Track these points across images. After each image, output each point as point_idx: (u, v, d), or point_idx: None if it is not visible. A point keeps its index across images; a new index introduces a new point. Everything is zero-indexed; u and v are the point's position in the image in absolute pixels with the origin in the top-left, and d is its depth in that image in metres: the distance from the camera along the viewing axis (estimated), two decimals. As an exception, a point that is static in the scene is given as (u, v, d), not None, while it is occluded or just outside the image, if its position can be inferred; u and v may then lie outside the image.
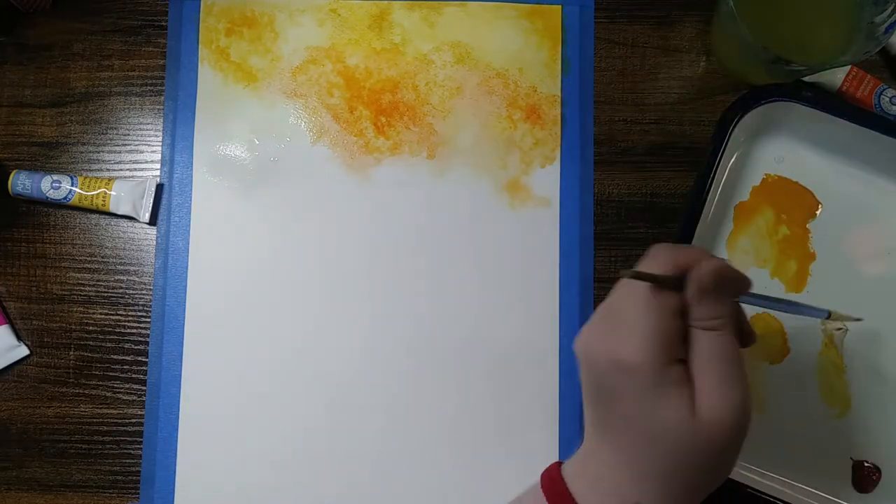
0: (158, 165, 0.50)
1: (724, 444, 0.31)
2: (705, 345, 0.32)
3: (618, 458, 0.32)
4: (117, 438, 0.48)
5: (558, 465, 0.35)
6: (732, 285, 0.33)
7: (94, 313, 0.49)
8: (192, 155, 0.50)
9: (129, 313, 0.49)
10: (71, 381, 0.49)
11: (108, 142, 0.50)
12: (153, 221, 0.49)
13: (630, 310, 0.32)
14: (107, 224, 0.50)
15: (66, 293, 0.49)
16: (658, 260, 0.33)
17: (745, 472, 0.46)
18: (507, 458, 0.48)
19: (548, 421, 0.48)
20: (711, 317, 0.32)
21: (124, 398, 0.48)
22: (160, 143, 0.50)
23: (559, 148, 0.50)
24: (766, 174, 0.50)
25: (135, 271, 0.49)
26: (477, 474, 0.48)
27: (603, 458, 0.33)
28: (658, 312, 0.31)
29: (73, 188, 0.48)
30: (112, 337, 0.49)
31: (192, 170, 0.50)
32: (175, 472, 0.47)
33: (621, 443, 0.32)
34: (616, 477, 0.32)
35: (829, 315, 0.39)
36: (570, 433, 0.48)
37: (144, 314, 0.49)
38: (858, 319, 0.43)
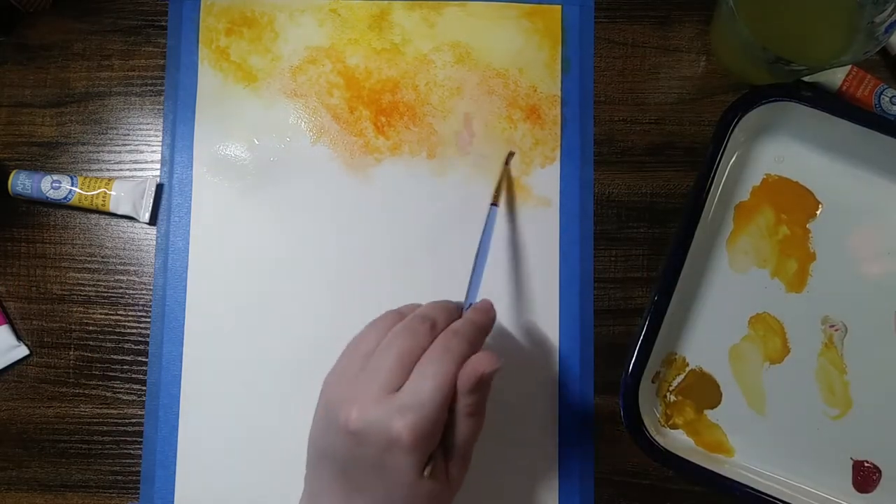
0: (158, 165, 0.50)
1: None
2: (465, 427, 0.35)
3: None
4: (117, 438, 0.48)
5: None
6: (484, 322, 0.37)
7: (93, 313, 0.49)
8: (191, 155, 0.50)
9: (129, 313, 0.49)
10: (71, 381, 0.49)
11: (108, 142, 0.50)
12: (153, 221, 0.49)
13: (419, 388, 0.33)
14: (107, 224, 0.50)
15: (65, 293, 0.49)
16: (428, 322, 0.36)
17: (746, 473, 0.46)
18: (507, 457, 0.48)
19: (547, 420, 0.48)
20: (478, 403, 0.35)
21: (124, 398, 0.48)
22: (160, 143, 0.50)
23: (559, 148, 0.50)
24: (766, 174, 0.50)
25: (135, 271, 0.49)
26: (475, 473, 0.48)
27: None
28: (446, 397, 0.33)
29: (73, 188, 0.48)
30: (112, 337, 0.49)
31: (192, 170, 0.50)
32: (175, 472, 0.47)
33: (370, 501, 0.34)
34: None
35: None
36: (570, 432, 0.48)
37: (144, 314, 0.49)
38: None
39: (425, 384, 0.33)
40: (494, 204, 0.44)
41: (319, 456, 0.36)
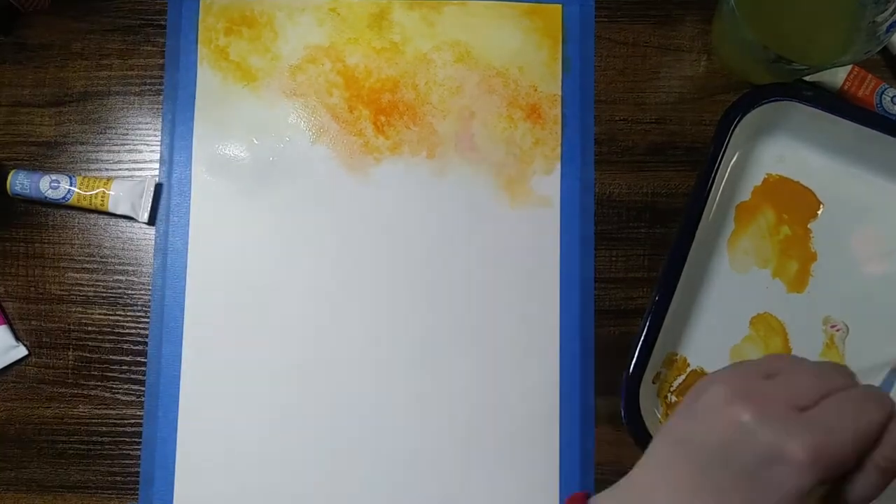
0: (157, 165, 0.50)
1: None
2: (871, 481, 0.30)
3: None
4: (116, 439, 0.48)
5: (585, 496, 0.35)
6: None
7: (92, 313, 0.49)
8: (191, 154, 0.50)
9: (128, 313, 0.49)
10: (69, 381, 0.48)
11: (107, 141, 0.50)
12: (152, 221, 0.49)
13: (837, 414, 0.30)
14: (105, 224, 0.50)
15: (64, 293, 0.49)
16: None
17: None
18: (507, 456, 0.48)
19: (548, 419, 0.48)
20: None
21: (123, 399, 0.48)
22: (159, 143, 0.50)
23: (560, 147, 0.50)
24: (767, 174, 0.49)
25: (133, 271, 0.49)
26: (476, 474, 0.47)
27: (679, 483, 0.32)
28: (863, 440, 0.30)
29: (72, 188, 0.48)
30: (111, 337, 0.49)
31: (190, 169, 0.50)
32: (174, 473, 0.47)
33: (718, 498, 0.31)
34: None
35: None
36: (571, 432, 0.48)
37: (143, 314, 0.49)
38: None
39: (847, 413, 0.30)
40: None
41: (677, 440, 0.33)
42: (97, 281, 0.49)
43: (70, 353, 0.49)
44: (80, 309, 0.49)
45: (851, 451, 0.29)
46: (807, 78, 0.50)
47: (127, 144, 0.50)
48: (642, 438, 0.44)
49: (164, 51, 0.51)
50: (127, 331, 0.49)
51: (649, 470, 0.34)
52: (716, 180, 0.47)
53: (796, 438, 0.29)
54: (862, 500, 0.31)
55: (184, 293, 0.48)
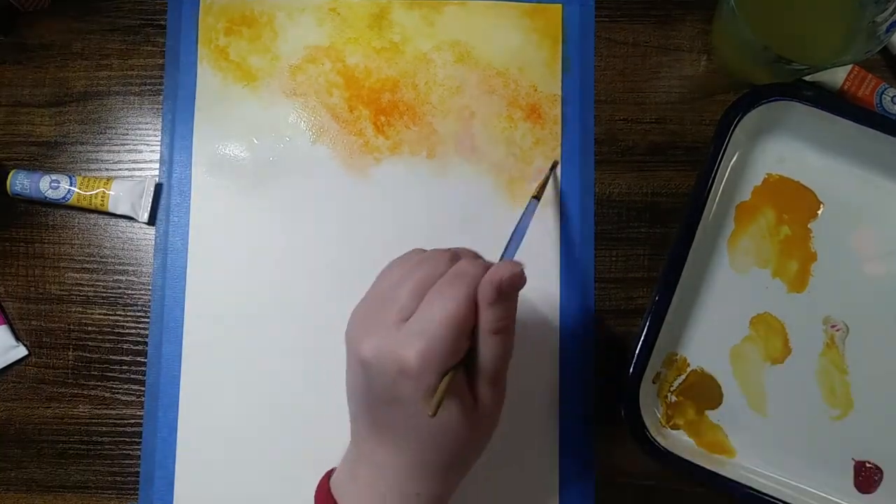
0: (157, 165, 0.50)
1: (487, 437, 0.35)
2: (490, 347, 0.33)
3: (398, 460, 0.33)
4: (116, 439, 0.48)
5: (329, 475, 0.37)
6: (521, 284, 0.34)
7: (92, 313, 0.49)
8: (191, 154, 0.50)
9: (128, 313, 0.49)
10: (69, 381, 0.48)
11: (107, 141, 0.50)
12: (152, 221, 0.49)
13: (429, 313, 0.31)
14: (105, 224, 0.50)
15: (64, 293, 0.49)
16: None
17: (747, 473, 0.46)
18: (507, 457, 0.47)
19: (548, 420, 0.48)
20: (503, 318, 0.32)
21: (123, 399, 0.48)
22: (159, 143, 0.50)
23: (560, 147, 0.50)
24: (767, 174, 0.49)
25: (133, 271, 0.49)
26: (476, 474, 0.47)
27: (379, 459, 0.34)
28: (458, 323, 0.31)
29: (72, 188, 0.48)
30: (111, 337, 0.49)
31: (190, 169, 0.50)
32: (174, 473, 0.47)
33: (402, 445, 0.33)
34: (396, 476, 0.33)
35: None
36: (571, 432, 0.48)
37: (143, 314, 0.49)
38: None
39: (434, 307, 0.31)
40: (536, 198, 0.44)
41: (349, 397, 0.35)
42: (97, 281, 0.49)
43: (70, 353, 0.49)
44: (80, 309, 0.49)
45: (452, 339, 0.31)
46: (807, 78, 0.50)
47: (127, 144, 0.50)
48: (642, 438, 0.44)
49: (164, 51, 0.51)
50: (127, 331, 0.49)
51: (352, 434, 0.37)
52: (716, 180, 0.47)
53: (405, 350, 0.31)
54: (493, 365, 0.33)
55: (184, 293, 0.48)
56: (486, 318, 0.32)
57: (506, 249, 0.39)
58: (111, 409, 0.48)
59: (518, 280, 0.32)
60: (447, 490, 0.35)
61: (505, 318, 0.33)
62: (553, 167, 0.49)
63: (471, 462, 0.36)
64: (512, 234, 0.40)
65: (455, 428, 0.33)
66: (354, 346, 0.33)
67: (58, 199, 0.48)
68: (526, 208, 0.42)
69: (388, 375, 0.31)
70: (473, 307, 0.32)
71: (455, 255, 0.34)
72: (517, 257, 0.37)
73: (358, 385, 0.34)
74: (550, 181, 0.48)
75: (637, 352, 0.45)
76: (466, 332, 0.32)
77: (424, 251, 0.36)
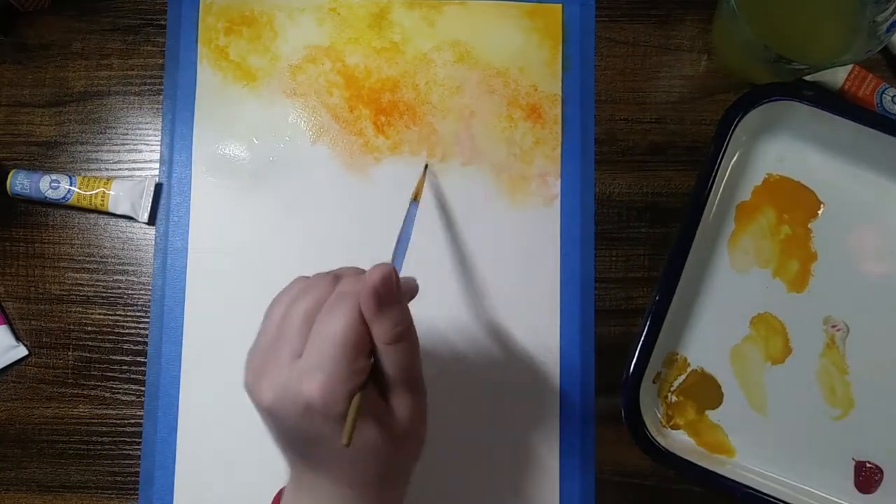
0: (157, 165, 0.50)
1: (418, 441, 0.35)
2: (392, 357, 0.32)
3: (335, 489, 0.33)
4: (116, 439, 0.48)
5: (279, 496, 0.36)
6: (405, 287, 0.33)
7: (92, 313, 0.49)
8: (190, 154, 0.50)
9: (128, 313, 0.49)
10: (69, 381, 0.48)
11: (107, 141, 0.50)
12: (152, 221, 0.49)
13: (319, 343, 0.30)
14: (105, 224, 0.50)
15: (64, 293, 0.49)
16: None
17: (746, 473, 0.46)
18: (507, 457, 0.47)
19: (548, 418, 0.48)
20: (395, 326, 0.31)
21: (123, 399, 0.48)
22: (159, 143, 0.50)
23: (560, 147, 0.50)
24: (767, 174, 0.49)
25: (133, 271, 0.49)
26: (476, 474, 0.47)
27: (317, 493, 0.33)
28: (351, 344, 0.30)
29: (72, 188, 0.48)
30: (111, 337, 0.49)
31: (190, 169, 0.50)
32: (174, 473, 0.47)
33: (336, 474, 0.33)
34: (336, 500, 0.33)
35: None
36: (571, 433, 0.48)
37: (143, 314, 0.49)
38: None
39: (324, 335, 0.30)
40: (415, 201, 0.44)
41: (275, 441, 0.35)
42: (97, 281, 0.49)
43: (70, 353, 0.49)
44: (80, 309, 0.49)
45: (348, 362, 0.30)
46: (807, 77, 0.50)
47: (127, 144, 0.50)
48: (642, 438, 0.44)
49: (164, 51, 0.51)
50: (127, 331, 0.49)
51: (291, 473, 0.36)
52: (716, 180, 0.47)
53: (305, 387, 0.30)
54: (401, 374, 0.32)
55: (184, 293, 0.48)
56: (378, 330, 0.31)
57: (393, 258, 0.38)
58: (111, 409, 0.48)
59: (389, 281, 0.31)
60: (394, 498, 0.35)
61: (398, 325, 0.31)
62: (426, 169, 0.48)
63: (409, 469, 0.35)
64: (397, 242, 0.39)
65: (379, 446, 0.32)
66: (255, 395, 0.32)
67: (58, 199, 0.48)
68: (407, 212, 0.42)
69: (296, 416, 0.31)
70: (364, 324, 0.31)
71: (336, 277, 0.34)
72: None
73: (272, 431, 0.33)
74: (427, 183, 0.48)
75: (637, 352, 0.45)
76: (363, 350, 0.31)
77: (308, 278, 0.35)
